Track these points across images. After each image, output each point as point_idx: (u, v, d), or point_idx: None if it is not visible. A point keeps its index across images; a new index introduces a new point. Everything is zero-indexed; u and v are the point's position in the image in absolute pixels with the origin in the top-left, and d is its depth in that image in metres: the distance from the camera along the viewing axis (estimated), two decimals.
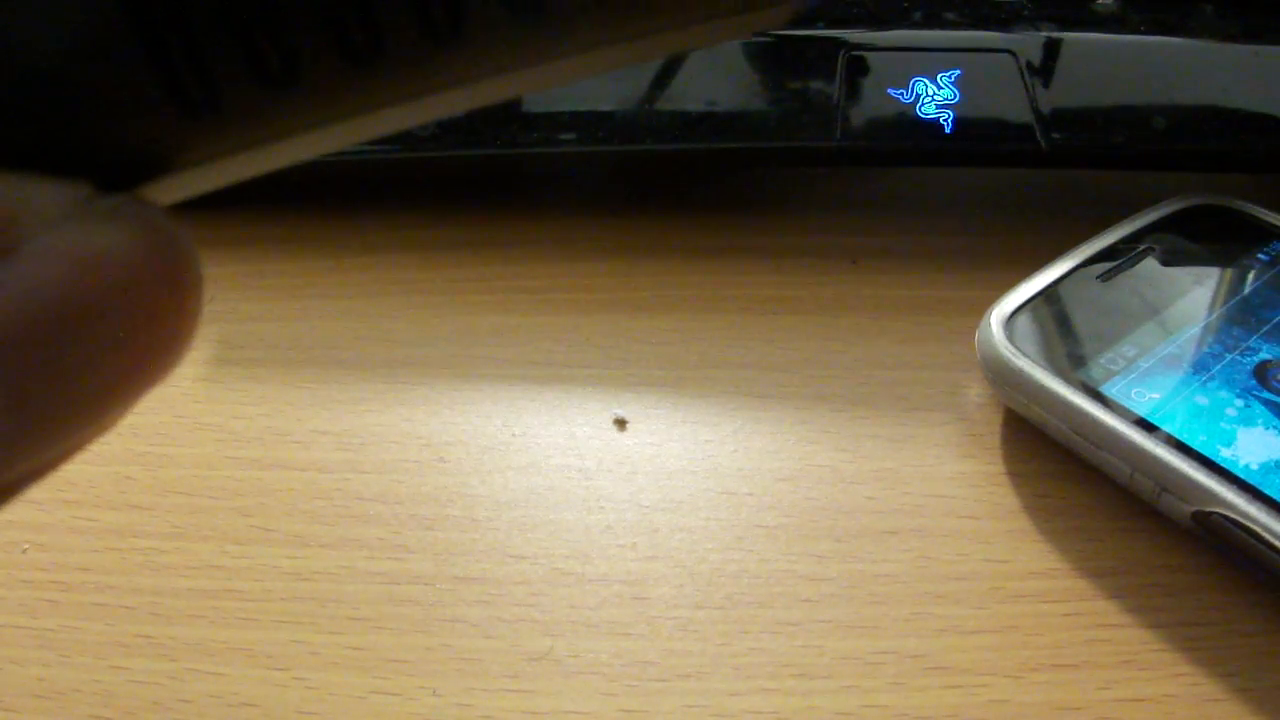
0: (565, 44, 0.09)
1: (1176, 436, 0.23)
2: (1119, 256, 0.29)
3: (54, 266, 0.08)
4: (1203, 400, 0.24)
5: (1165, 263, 0.29)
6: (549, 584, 0.24)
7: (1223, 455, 0.23)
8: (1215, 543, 0.23)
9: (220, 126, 0.09)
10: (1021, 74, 0.32)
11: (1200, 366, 0.25)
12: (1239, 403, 0.24)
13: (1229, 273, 0.28)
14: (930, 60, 0.33)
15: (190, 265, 0.09)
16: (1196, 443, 0.23)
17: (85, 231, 0.08)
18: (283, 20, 0.08)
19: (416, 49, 0.09)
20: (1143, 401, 0.24)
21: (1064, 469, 0.26)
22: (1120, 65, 0.33)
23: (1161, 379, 0.25)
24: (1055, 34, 0.33)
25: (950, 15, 0.34)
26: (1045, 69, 0.33)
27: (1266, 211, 0.30)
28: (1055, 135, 0.32)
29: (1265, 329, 0.26)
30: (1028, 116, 0.32)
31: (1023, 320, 0.27)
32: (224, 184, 0.10)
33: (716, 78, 0.33)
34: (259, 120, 0.09)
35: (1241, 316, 0.27)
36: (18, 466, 0.08)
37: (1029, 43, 0.33)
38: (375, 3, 0.08)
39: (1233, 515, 0.22)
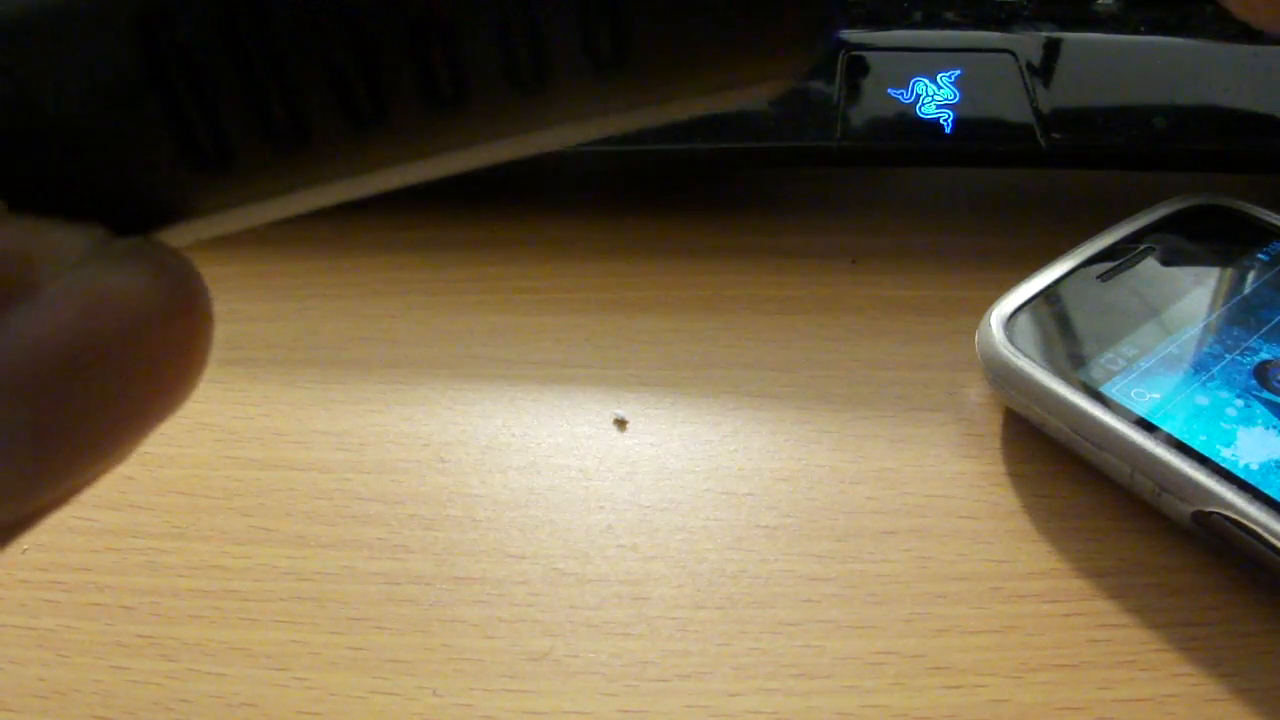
0: (567, 112, 0.10)
1: (1176, 436, 0.23)
2: (1119, 256, 0.29)
3: (73, 307, 0.08)
4: (1203, 400, 0.24)
5: (1165, 263, 0.29)
6: (549, 584, 0.24)
7: (1223, 455, 0.23)
8: (1215, 543, 0.23)
9: (231, 180, 0.09)
10: (1021, 74, 0.32)
11: (1200, 366, 0.25)
12: (1239, 403, 0.24)
13: (1229, 273, 0.28)
14: (930, 60, 0.33)
15: (202, 304, 0.09)
16: (1196, 443, 0.23)
17: (102, 273, 0.08)
18: (292, 82, 0.09)
19: (420, 114, 0.09)
20: (1143, 401, 0.24)
21: (1064, 469, 0.26)
22: (1120, 65, 0.33)
23: (1161, 379, 0.25)
24: (1055, 34, 0.33)
25: (950, 15, 0.34)
26: (1045, 69, 0.33)
27: (1266, 211, 0.30)
28: (1055, 135, 0.32)
29: (1265, 329, 0.26)
30: (1028, 116, 0.32)
31: (1023, 320, 0.27)
32: (235, 230, 0.10)
33: None
34: (268, 175, 0.09)
35: (1241, 316, 0.27)
36: (38, 499, 0.09)
37: (1029, 43, 0.33)
38: (381, 70, 0.09)
39: (1233, 515, 0.22)
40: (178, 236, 0.10)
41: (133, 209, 0.09)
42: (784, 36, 0.10)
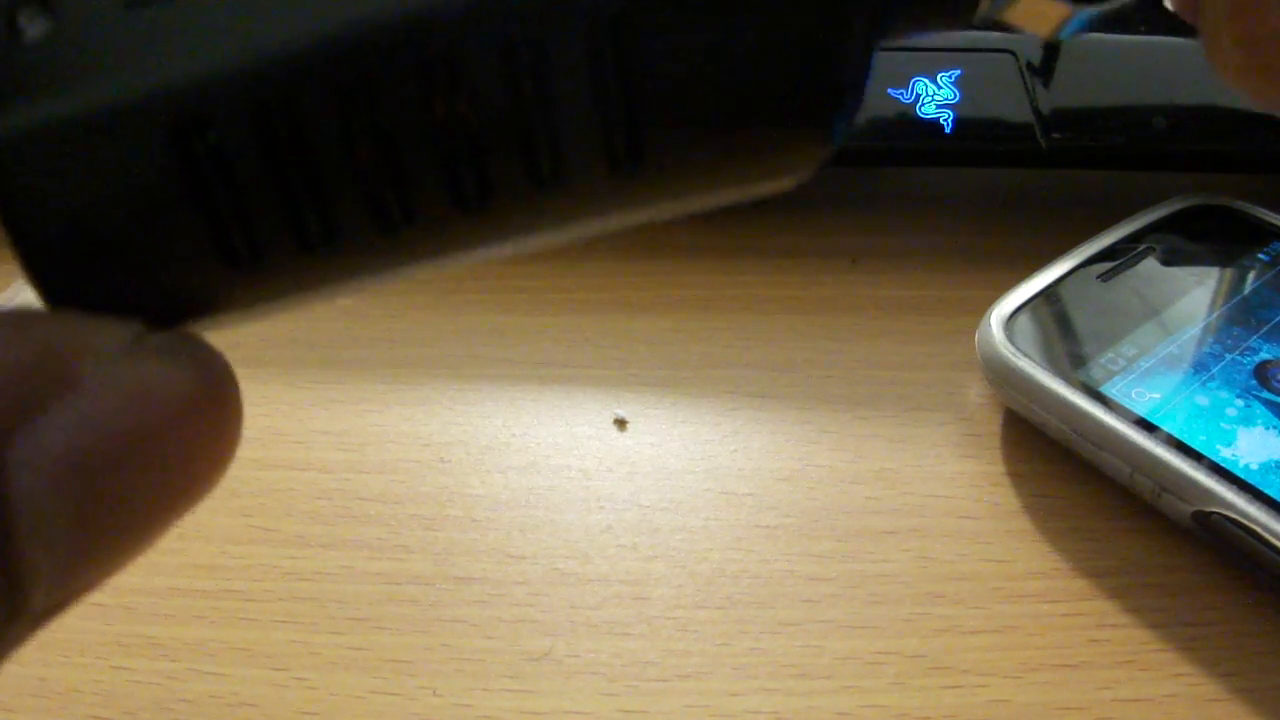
0: (585, 210, 0.10)
1: (1176, 436, 0.23)
2: (1119, 256, 0.29)
3: (113, 399, 0.09)
4: (1203, 400, 0.24)
5: (1165, 263, 0.29)
6: (549, 584, 0.24)
7: (1223, 455, 0.23)
8: (1215, 543, 0.23)
9: (263, 278, 0.10)
10: (1021, 74, 0.32)
11: (1200, 366, 0.25)
12: (1239, 403, 0.24)
13: (1229, 273, 0.28)
14: (930, 60, 0.33)
15: (232, 393, 0.10)
16: (1196, 443, 0.23)
17: (140, 367, 0.09)
18: (323, 187, 0.09)
19: (445, 216, 0.10)
20: (1143, 401, 0.24)
21: (1064, 469, 0.26)
22: (1120, 65, 0.33)
23: (1161, 379, 0.25)
24: None
25: None
26: (1045, 69, 0.33)
27: (1266, 211, 0.30)
28: (1055, 135, 0.32)
29: (1265, 329, 0.26)
30: (1028, 116, 0.32)
31: (1023, 320, 0.27)
32: (263, 319, 0.10)
33: None
34: (298, 275, 0.10)
35: (1241, 316, 0.27)
36: (76, 584, 0.09)
37: (1029, 43, 0.33)
38: (410, 177, 0.09)
39: (1233, 515, 0.22)
40: (211, 326, 0.10)
41: (168, 305, 0.10)
42: (796, 137, 0.10)
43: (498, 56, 0.09)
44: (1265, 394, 0.25)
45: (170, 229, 0.09)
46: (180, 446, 0.09)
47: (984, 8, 0.11)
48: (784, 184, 0.10)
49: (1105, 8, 0.11)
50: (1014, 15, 0.11)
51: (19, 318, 0.09)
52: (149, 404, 0.09)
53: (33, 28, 0.09)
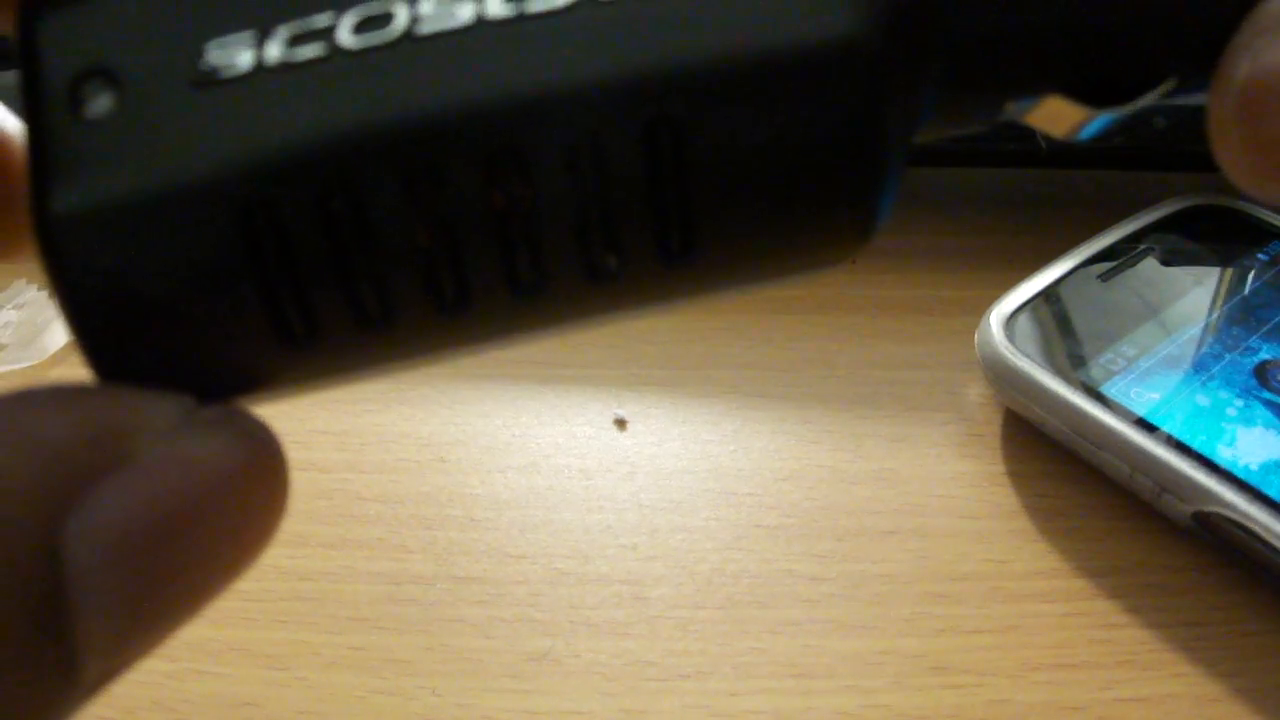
0: (636, 299, 0.10)
1: (1176, 436, 0.23)
2: (1119, 256, 0.29)
3: (166, 476, 0.09)
4: (1203, 400, 0.24)
5: (1165, 263, 0.29)
6: (549, 584, 0.24)
7: (1223, 455, 0.23)
8: (1215, 543, 0.23)
9: (315, 356, 0.10)
10: None
11: (1200, 366, 0.25)
12: (1239, 403, 0.24)
13: (1229, 273, 0.28)
14: None
15: (280, 467, 0.10)
16: (1196, 443, 0.23)
17: (192, 442, 0.09)
18: (383, 271, 0.09)
19: (501, 301, 0.10)
20: (1143, 401, 0.24)
21: (1064, 469, 0.26)
22: None
23: (1161, 379, 0.25)
24: None
25: None
26: None
27: (1266, 211, 0.30)
28: None
29: (1265, 329, 0.26)
30: None
31: (1023, 320, 0.27)
32: (310, 394, 0.11)
33: None
34: (350, 354, 0.10)
35: (1241, 316, 0.27)
36: (128, 654, 0.09)
37: None
38: (467, 262, 0.09)
39: (1233, 515, 0.22)
40: (256, 401, 0.10)
41: (219, 380, 0.10)
42: (838, 228, 0.10)
43: (559, 151, 0.09)
44: (1265, 394, 0.25)
45: (227, 307, 0.09)
46: (230, 520, 0.09)
47: (1007, 110, 0.11)
48: (824, 269, 0.11)
49: (1122, 111, 0.11)
50: (1034, 118, 0.11)
51: (72, 393, 0.09)
52: (201, 480, 0.09)
53: (97, 103, 0.09)
